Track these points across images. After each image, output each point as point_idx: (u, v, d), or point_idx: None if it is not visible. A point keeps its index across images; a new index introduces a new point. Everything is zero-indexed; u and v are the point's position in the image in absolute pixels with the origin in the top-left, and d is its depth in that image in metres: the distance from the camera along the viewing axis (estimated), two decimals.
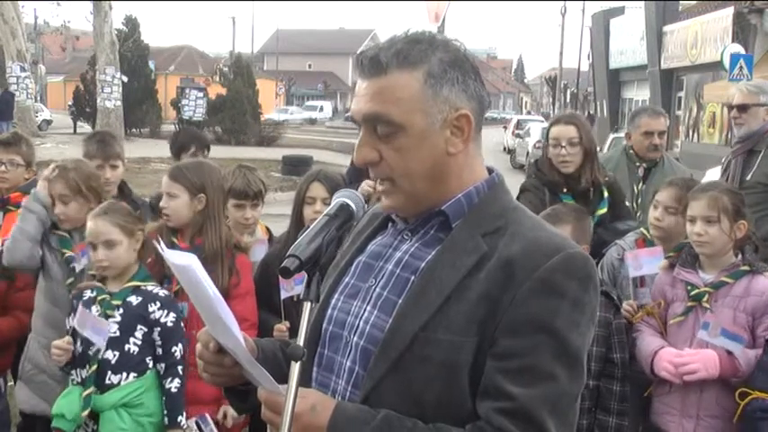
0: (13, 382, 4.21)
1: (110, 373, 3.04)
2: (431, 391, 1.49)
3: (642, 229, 3.68)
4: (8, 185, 4.11)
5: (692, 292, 3.07)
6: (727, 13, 22.11)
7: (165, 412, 3.08)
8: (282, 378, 1.47)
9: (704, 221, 3.03)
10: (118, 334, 3.05)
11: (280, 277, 3.23)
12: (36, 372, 3.45)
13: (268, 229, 4.17)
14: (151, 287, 3.16)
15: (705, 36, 24.26)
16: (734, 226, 3.01)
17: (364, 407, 1.50)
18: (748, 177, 4.46)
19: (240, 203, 3.72)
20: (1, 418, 3.76)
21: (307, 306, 1.48)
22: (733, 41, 19.98)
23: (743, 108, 4.54)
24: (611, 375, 3.11)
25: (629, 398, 3.12)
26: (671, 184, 3.52)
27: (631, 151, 4.87)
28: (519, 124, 32.95)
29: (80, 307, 3.07)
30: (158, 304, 3.12)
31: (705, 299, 3.02)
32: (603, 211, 4.08)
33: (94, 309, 3.08)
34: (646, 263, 3.33)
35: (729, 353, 2.94)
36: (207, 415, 3.22)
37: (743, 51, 17.68)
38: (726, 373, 2.93)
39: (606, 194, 4.11)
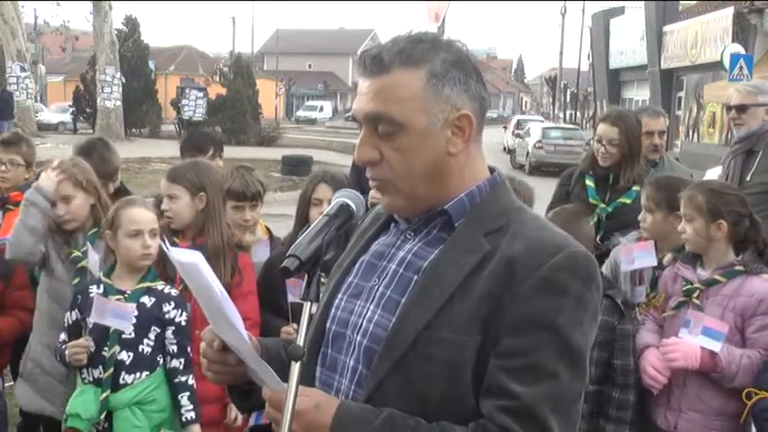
0: (12, 382, 4.21)
1: (123, 373, 3.06)
2: (434, 389, 1.49)
3: None
4: (8, 185, 4.11)
5: (684, 287, 3.09)
6: (727, 13, 22.15)
7: (191, 407, 3.10)
8: (287, 377, 1.46)
9: (684, 219, 3.10)
10: (132, 336, 3.07)
11: (287, 281, 3.24)
12: (39, 372, 3.43)
13: (268, 229, 4.17)
14: (161, 286, 3.18)
15: (705, 36, 24.28)
16: (710, 226, 3.02)
17: (368, 406, 1.51)
18: (748, 177, 4.46)
19: (239, 205, 3.71)
20: (0, 418, 3.76)
21: (307, 306, 1.48)
22: (733, 41, 20.02)
23: (741, 108, 4.53)
24: (613, 381, 3.10)
25: (629, 406, 3.08)
26: (648, 182, 3.59)
27: None
28: (519, 124, 32.96)
29: (96, 296, 3.06)
30: (172, 304, 3.14)
31: (695, 295, 3.05)
32: (627, 201, 4.21)
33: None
34: (638, 257, 3.37)
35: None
36: None
37: (743, 51, 17.70)
38: (705, 366, 2.93)
39: (636, 188, 4.20)
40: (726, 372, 2.91)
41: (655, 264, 3.36)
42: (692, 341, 2.93)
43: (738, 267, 3.02)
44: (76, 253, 3.43)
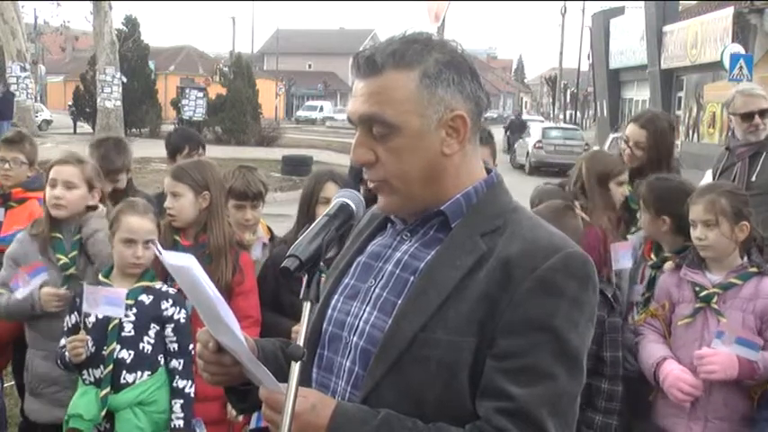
0: (12, 382, 4.22)
1: (125, 372, 3.06)
2: (430, 391, 1.49)
3: None
4: (11, 183, 4.13)
5: (701, 293, 3.02)
6: (727, 13, 22.15)
7: (182, 414, 3.08)
8: (283, 379, 1.46)
9: (703, 225, 3.02)
10: (132, 333, 3.07)
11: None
12: (44, 384, 3.40)
13: (270, 228, 4.17)
14: (159, 285, 3.19)
15: (705, 36, 24.28)
16: (735, 228, 2.99)
17: (364, 407, 1.50)
18: (753, 178, 4.46)
19: (240, 204, 3.71)
20: None
21: (307, 306, 1.48)
22: (733, 41, 20.02)
23: (766, 113, 4.51)
24: (602, 373, 3.08)
25: (617, 397, 3.08)
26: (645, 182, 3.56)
27: None
28: None
29: (86, 286, 3.04)
30: (170, 301, 3.15)
31: (714, 300, 2.99)
32: None
33: None
34: (621, 257, 3.38)
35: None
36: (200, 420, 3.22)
37: (743, 51, 17.70)
38: (743, 375, 2.89)
39: None
40: (762, 378, 2.88)
41: (628, 266, 3.37)
42: (727, 350, 2.87)
43: (752, 269, 2.99)
44: (65, 259, 3.39)
